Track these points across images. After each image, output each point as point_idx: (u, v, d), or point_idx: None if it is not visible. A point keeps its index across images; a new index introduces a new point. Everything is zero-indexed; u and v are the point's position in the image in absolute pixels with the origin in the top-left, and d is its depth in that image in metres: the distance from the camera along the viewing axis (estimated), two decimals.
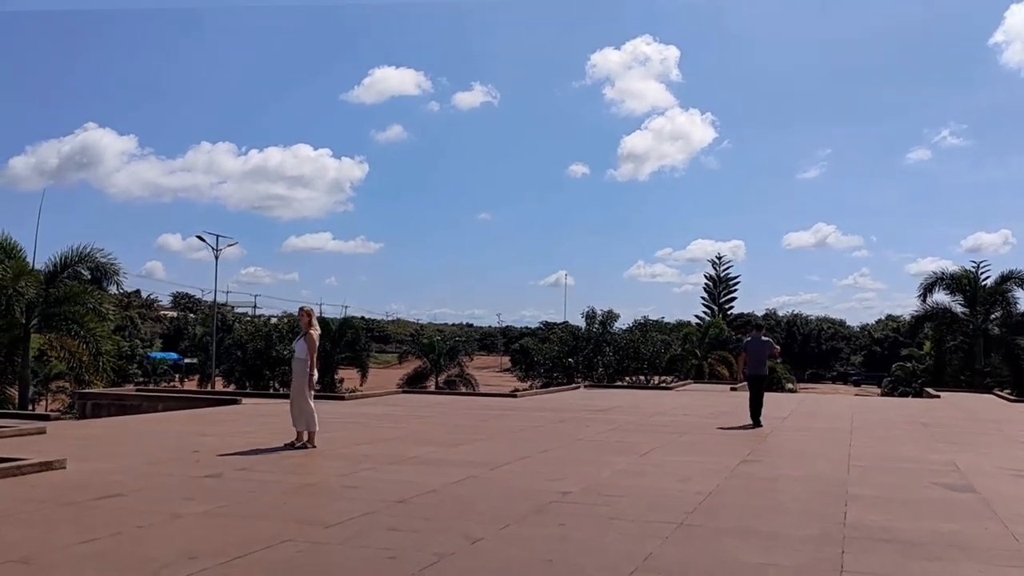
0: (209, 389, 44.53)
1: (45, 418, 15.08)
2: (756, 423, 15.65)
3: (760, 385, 15.88)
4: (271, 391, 48.53)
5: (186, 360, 76.05)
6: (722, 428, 15.75)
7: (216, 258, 51.83)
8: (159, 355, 72.23)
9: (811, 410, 21.83)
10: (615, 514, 7.48)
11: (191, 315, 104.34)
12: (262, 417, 15.64)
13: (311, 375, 11.53)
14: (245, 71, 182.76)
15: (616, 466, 10.43)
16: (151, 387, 39.24)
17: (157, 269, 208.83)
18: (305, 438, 11.58)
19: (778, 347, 16.68)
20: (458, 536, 6.51)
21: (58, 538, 6.20)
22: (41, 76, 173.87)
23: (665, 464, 10.77)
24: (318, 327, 11.78)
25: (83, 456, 10.36)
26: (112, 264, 25.47)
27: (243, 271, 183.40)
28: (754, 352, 15.98)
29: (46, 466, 9.08)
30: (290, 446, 11.51)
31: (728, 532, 6.90)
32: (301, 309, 11.87)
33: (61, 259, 24.61)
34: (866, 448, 13.01)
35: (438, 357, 53.74)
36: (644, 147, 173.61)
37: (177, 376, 70.64)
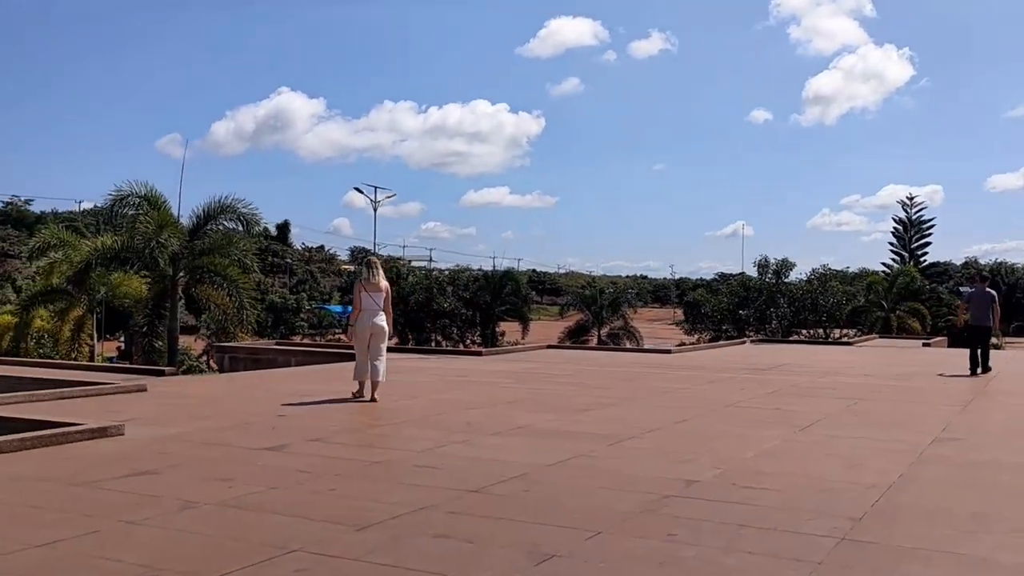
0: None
1: (160, 373, 14.49)
2: (985, 369, 15.69)
3: (984, 337, 16.12)
4: (432, 345, 48.35)
5: None
6: (910, 392, 13.20)
7: (375, 210, 52.13)
8: (333, 308, 74.34)
9: (1022, 371, 18.50)
10: (750, 518, 5.50)
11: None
12: (388, 375, 14.05)
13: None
14: (423, 28, 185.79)
15: (766, 443, 8.35)
16: (288, 340, 39.84)
17: (344, 226, 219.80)
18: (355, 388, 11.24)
19: (999, 309, 16.42)
20: (522, 552, 4.77)
21: (17, 535, 4.92)
22: (238, 41, 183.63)
23: (831, 442, 8.57)
24: (372, 279, 11.19)
25: (156, 419, 9.37)
26: (254, 215, 25.22)
27: (423, 226, 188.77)
28: (978, 303, 16.26)
29: (99, 433, 8.03)
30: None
31: (913, 556, 4.81)
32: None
33: (204, 210, 24.53)
34: None
35: (600, 309, 51.79)
36: (832, 88, 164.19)
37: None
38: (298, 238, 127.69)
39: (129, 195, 24.06)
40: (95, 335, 29.00)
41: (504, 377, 14.81)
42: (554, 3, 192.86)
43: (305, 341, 48.68)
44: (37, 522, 5.25)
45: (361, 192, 52.76)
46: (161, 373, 14.41)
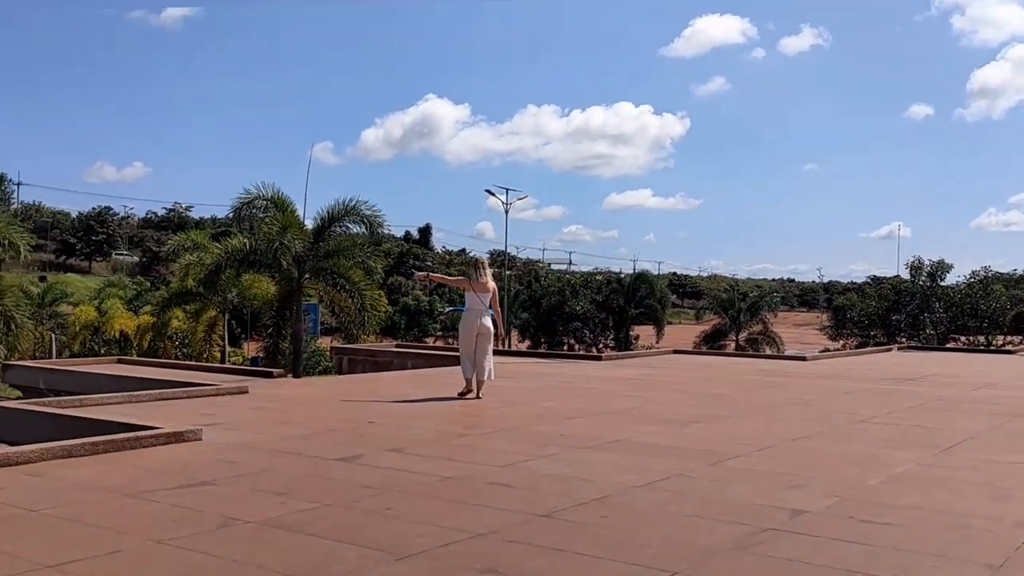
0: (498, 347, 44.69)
1: (268, 375, 14.47)
2: None
3: None
4: (564, 348, 47.79)
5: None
6: None
7: (506, 211, 52.14)
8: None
9: None
10: (863, 561, 4.60)
11: (506, 272, 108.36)
12: (497, 381, 12.99)
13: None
14: (566, 31, 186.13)
15: (897, 467, 7.27)
16: (417, 342, 40.02)
17: (487, 229, 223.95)
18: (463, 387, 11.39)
19: None
20: None
21: (36, 551, 4.60)
22: (386, 50, 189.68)
23: (976, 468, 7.40)
24: (480, 279, 11.29)
25: (242, 423, 9.14)
26: (377, 217, 25.28)
27: (565, 230, 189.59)
28: None
29: (174, 438, 7.79)
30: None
31: None
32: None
33: (328, 213, 24.79)
34: None
35: (737, 313, 49.82)
36: (1000, 80, 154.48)
37: None
38: (442, 241, 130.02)
39: (256, 198, 24.62)
40: (225, 335, 29.94)
41: (618, 384, 14.01)
42: (700, 1, 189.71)
43: (437, 344, 49.12)
44: (65, 537, 4.93)
45: (492, 194, 52.79)
46: (269, 375, 14.40)
